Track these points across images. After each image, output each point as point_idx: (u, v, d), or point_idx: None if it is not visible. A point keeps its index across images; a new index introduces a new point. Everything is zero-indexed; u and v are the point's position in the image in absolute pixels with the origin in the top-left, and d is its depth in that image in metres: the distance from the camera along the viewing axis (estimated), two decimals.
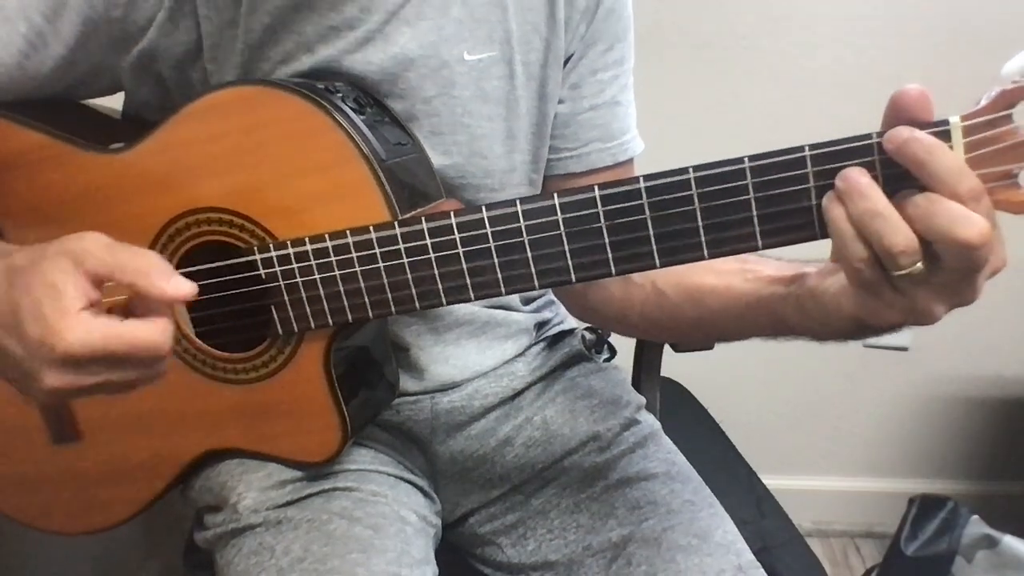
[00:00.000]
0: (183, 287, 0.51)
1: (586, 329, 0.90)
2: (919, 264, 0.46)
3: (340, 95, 0.61)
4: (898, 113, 0.47)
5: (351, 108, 0.61)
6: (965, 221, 0.44)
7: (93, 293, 0.50)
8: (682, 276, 0.68)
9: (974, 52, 1.37)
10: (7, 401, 0.74)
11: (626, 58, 0.76)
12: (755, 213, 0.50)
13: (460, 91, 0.68)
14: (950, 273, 0.46)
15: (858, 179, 0.47)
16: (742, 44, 1.39)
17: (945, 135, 0.46)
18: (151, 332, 0.51)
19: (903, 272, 0.46)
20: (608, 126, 0.76)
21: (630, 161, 0.78)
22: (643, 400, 0.85)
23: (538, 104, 0.73)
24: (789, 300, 0.59)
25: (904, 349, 1.48)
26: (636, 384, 1.02)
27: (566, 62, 0.73)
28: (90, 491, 0.76)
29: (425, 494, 0.78)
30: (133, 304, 0.53)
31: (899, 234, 0.46)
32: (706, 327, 0.70)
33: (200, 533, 0.74)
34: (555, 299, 0.90)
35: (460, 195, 0.71)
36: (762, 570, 0.69)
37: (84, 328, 0.49)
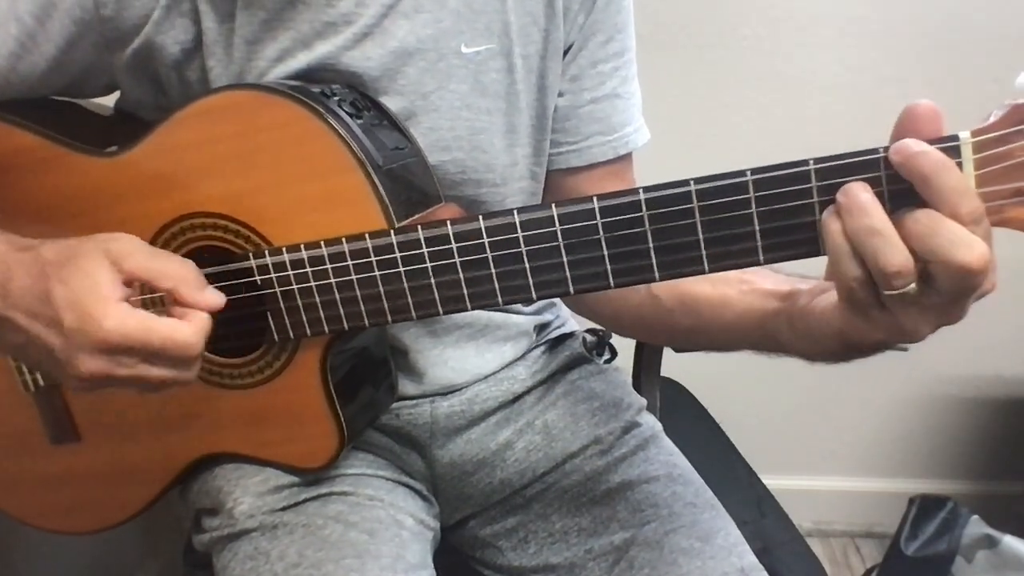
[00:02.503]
0: (214, 299, 0.56)
1: (587, 331, 0.90)
2: (912, 285, 0.45)
3: (337, 99, 0.61)
4: (908, 128, 0.46)
5: (347, 112, 0.60)
6: (966, 243, 0.43)
7: (127, 290, 0.54)
8: (678, 283, 0.67)
9: (975, 53, 1.37)
10: (7, 400, 0.74)
11: (627, 49, 0.75)
12: (757, 228, 0.49)
13: (457, 84, 0.68)
14: (941, 295, 0.45)
15: (859, 194, 0.46)
16: (744, 45, 1.39)
17: (955, 151, 0.45)
18: (185, 330, 0.54)
19: (895, 292, 0.45)
20: (609, 119, 0.75)
21: (630, 154, 0.78)
22: (644, 402, 0.85)
23: (538, 97, 0.72)
24: (781, 316, 0.58)
25: (904, 349, 1.48)
26: (636, 384, 1.02)
27: (565, 53, 0.72)
28: (88, 491, 0.76)
29: (423, 498, 0.78)
30: (169, 304, 0.56)
31: (896, 254, 0.44)
32: (698, 336, 0.69)
33: (198, 536, 0.74)
34: (556, 301, 0.89)
35: (462, 190, 0.71)
36: (765, 573, 0.69)
37: (121, 317, 0.52)
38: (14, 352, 0.59)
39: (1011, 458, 1.66)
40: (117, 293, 0.53)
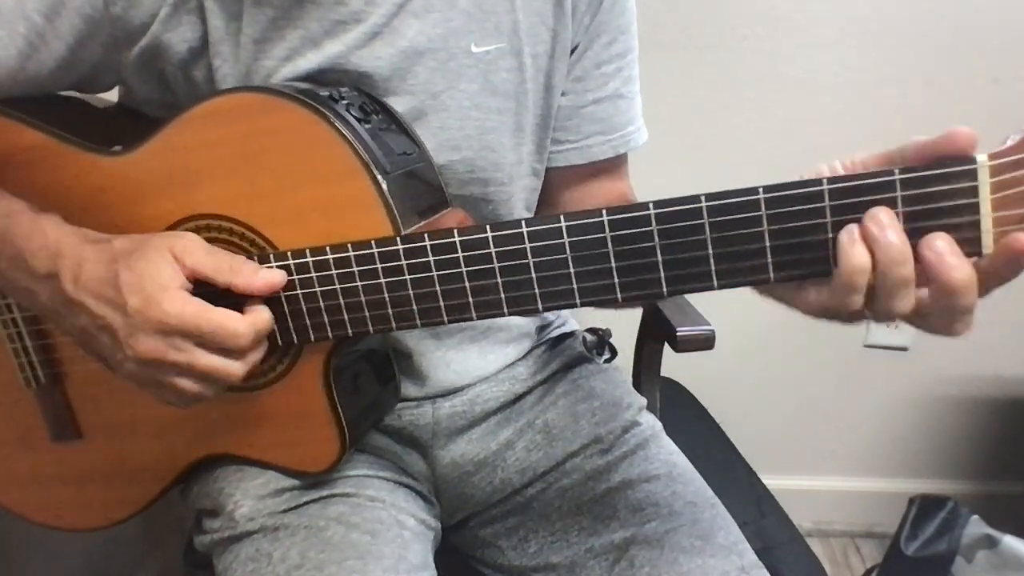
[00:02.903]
0: (270, 277, 0.59)
1: (587, 331, 0.90)
2: None
3: (345, 103, 0.61)
4: (942, 147, 0.46)
5: (355, 117, 0.60)
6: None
7: (188, 283, 0.57)
8: None
9: (975, 53, 1.37)
10: (8, 397, 0.74)
11: (630, 50, 0.76)
12: (768, 245, 0.49)
13: (467, 84, 0.68)
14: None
15: (897, 244, 0.45)
16: (744, 45, 1.39)
17: (972, 174, 0.45)
18: (237, 320, 0.57)
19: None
20: (611, 119, 0.76)
21: (625, 154, 0.79)
22: (644, 401, 0.85)
23: (544, 96, 0.73)
24: None
25: (904, 349, 1.48)
26: (636, 384, 1.02)
27: (571, 53, 0.73)
28: (89, 489, 0.77)
29: (424, 498, 0.78)
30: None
31: (911, 301, 0.46)
32: None
33: (199, 537, 0.74)
34: None
35: (470, 189, 0.71)
36: (765, 571, 0.69)
37: (180, 302, 0.55)
38: (76, 334, 0.62)
39: (1011, 458, 1.66)
40: (178, 282, 0.56)
